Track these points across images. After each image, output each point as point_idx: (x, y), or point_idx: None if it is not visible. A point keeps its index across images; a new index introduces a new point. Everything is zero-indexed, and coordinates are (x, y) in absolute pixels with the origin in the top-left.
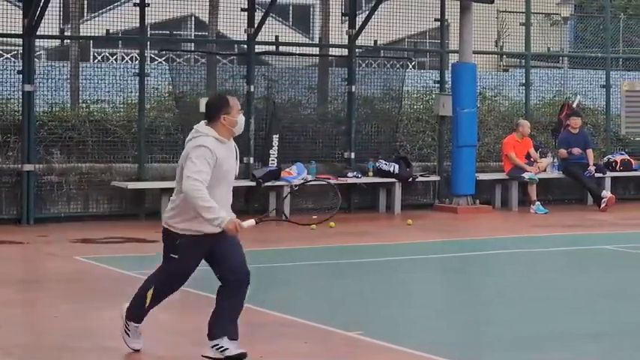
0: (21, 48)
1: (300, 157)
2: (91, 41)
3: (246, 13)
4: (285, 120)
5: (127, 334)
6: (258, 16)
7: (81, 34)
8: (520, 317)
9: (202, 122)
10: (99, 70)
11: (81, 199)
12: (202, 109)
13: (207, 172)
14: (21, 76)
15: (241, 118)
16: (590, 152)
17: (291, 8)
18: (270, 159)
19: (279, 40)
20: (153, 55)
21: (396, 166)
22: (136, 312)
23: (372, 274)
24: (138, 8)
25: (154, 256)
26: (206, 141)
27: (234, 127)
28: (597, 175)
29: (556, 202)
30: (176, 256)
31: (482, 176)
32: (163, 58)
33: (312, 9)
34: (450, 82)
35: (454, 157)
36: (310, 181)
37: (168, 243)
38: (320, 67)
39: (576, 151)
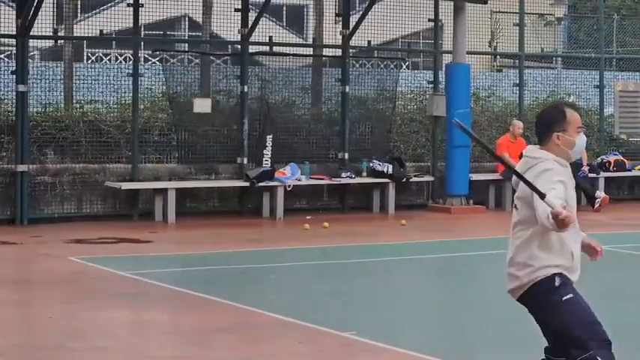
0: (14, 48)
1: (294, 158)
2: (85, 41)
3: (239, 14)
4: (278, 120)
5: None
6: (252, 16)
7: (74, 34)
8: (513, 317)
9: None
10: (92, 70)
11: (74, 199)
12: (196, 109)
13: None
14: (14, 76)
15: (582, 139)
16: (583, 153)
17: (284, 9)
18: (264, 159)
19: (273, 41)
20: (147, 56)
21: (390, 167)
22: None
23: (366, 274)
24: (132, 8)
25: (148, 257)
26: (549, 164)
27: (572, 148)
28: (591, 175)
29: None
30: (570, 295)
31: (475, 177)
32: (157, 59)
33: (305, 9)
34: (443, 83)
35: (448, 157)
36: None
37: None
38: (314, 68)
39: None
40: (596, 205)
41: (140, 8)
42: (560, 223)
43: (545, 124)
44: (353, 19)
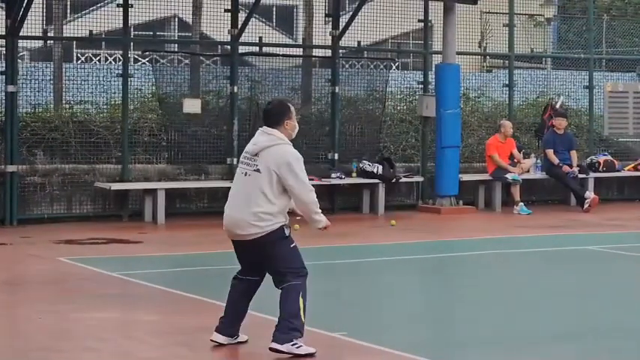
0: (4, 49)
1: None
2: (75, 42)
3: (229, 14)
4: None
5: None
6: (242, 17)
7: (64, 34)
8: (503, 317)
9: (265, 127)
10: (82, 70)
11: (64, 200)
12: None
13: None
14: (4, 76)
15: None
16: (573, 153)
17: (274, 9)
18: None
19: (263, 41)
20: (136, 56)
21: (380, 167)
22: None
23: (356, 274)
24: (121, 9)
25: (138, 257)
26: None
27: (294, 131)
28: (580, 176)
29: (539, 203)
30: (293, 244)
31: (465, 177)
32: (147, 59)
33: (295, 10)
34: (433, 83)
35: (438, 157)
36: None
37: (274, 242)
38: (303, 68)
39: (565, 168)
40: (586, 206)
41: (130, 9)
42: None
43: (280, 114)
44: (343, 20)
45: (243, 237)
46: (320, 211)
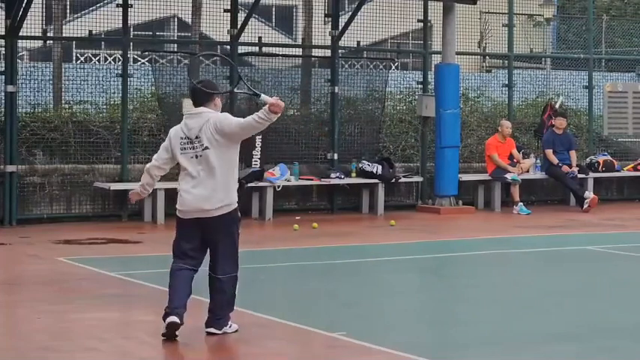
0: (3, 49)
1: (283, 158)
2: (74, 42)
3: (229, 14)
4: None
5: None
6: (241, 17)
7: (64, 34)
8: (503, 317)
9: (191, 111)
10: (82, 70)
11: (63, 200)
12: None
13: None
14: (3, 77)
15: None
16: (573, 153)
17: (274, 9)
18: (253, 160)
19: (262, 41)
20: (136, 56)
21: (379, 167)
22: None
23: (355, 275)
24: (121, 9)
25: (137, 257)
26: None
27: (219, 109)
28: (580, 176)
29: (539, 203)
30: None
31: (465, 177)
32: (146, 59)
33: (294, 10)
34: (432, 83)
35: (437, 158)
36: None
37: (231, 222)
38: (303, 68)
39: (565, 168)
40: (585, 206)
41: (129, 9)
42: (276, 107)
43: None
44: (342, 20)
45: (209, 213)
46: (265, 112)
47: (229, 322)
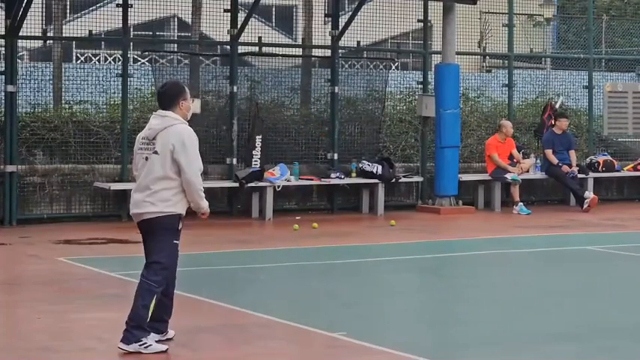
0: (3, 49)
1: (283, 158)
2: (74, 42)
3: (229, 14)
4: (268, 121)
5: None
6: (241, 17)
7: (63, 34)
8: (500, 318)
9: (159, 110)
10: (82, 70)
11: (63, 200)
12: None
13: None
14: (3, 76)
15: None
16: (572, 153)
17: (274, 9)
18: (253, 160)
19: (262, 41)
20: (136, 56)
21: (379, 167)
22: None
23: (355, 275)
24: (121, 9)
25: (137, 257)
26: (188, 128)
27: (189, 112)
28: (580, 176)
29: (539, 203)
30: (177, 241)
31: (465, 177)
32: (146, 59)
33: (294, 10)
34: (432, 83)
35: (437, 158)
36: None
37: (164, 228)
38: (303, 68)
39: (565, 168)
40: (585, 206)
41: (129, 9)
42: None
43: (174, 95)
44: (342, 20)
45: (140, 217)
46: (204, 196)
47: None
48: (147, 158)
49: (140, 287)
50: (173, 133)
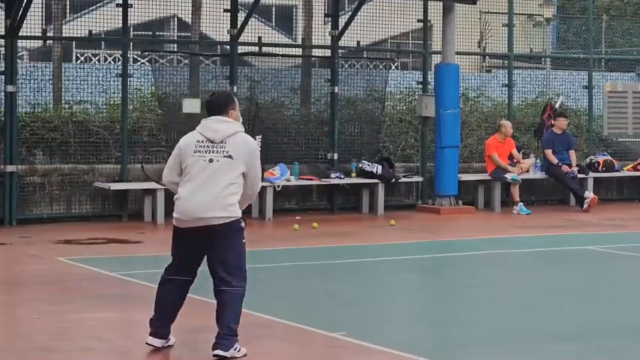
0: (3, 49)
1: (283, 158)
2: (74, 42)
3: (228, 14)
4: (268, 121)
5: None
6: (241, 17)
7: (63, 34)
8: (500, 318)
9: (215, 117)
10: (81, 70)
11: (63, 200)
12: (185, 109)
13: None
14: (3, 76)
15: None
16: (572, 153)
17: (273, 9)
18: None
19: (262, 41)
20: (136, 56)
21: (379, 167)
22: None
23: (355, 275)
24: (121, 9)
25: (137, 257)
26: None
27: (239, 121)
28: (580, 176)
29: (539, 203)
30: (245, 240)
31: (465, 177)
32: (146, 59)
33: (294, 10)
34: (432, 83)
35: (437, 157)
36: None
37: (236, 231)
38: (303, 68)
39: (565, 168)
40: (585, 206)
41: (129, 9)
42: None
43: (226, 104)
44: (342, 20)
45: (207, 222)
46: None
47: (236, 345)
48: (211, 160)
49: (232, 297)
50: (244, 142)
